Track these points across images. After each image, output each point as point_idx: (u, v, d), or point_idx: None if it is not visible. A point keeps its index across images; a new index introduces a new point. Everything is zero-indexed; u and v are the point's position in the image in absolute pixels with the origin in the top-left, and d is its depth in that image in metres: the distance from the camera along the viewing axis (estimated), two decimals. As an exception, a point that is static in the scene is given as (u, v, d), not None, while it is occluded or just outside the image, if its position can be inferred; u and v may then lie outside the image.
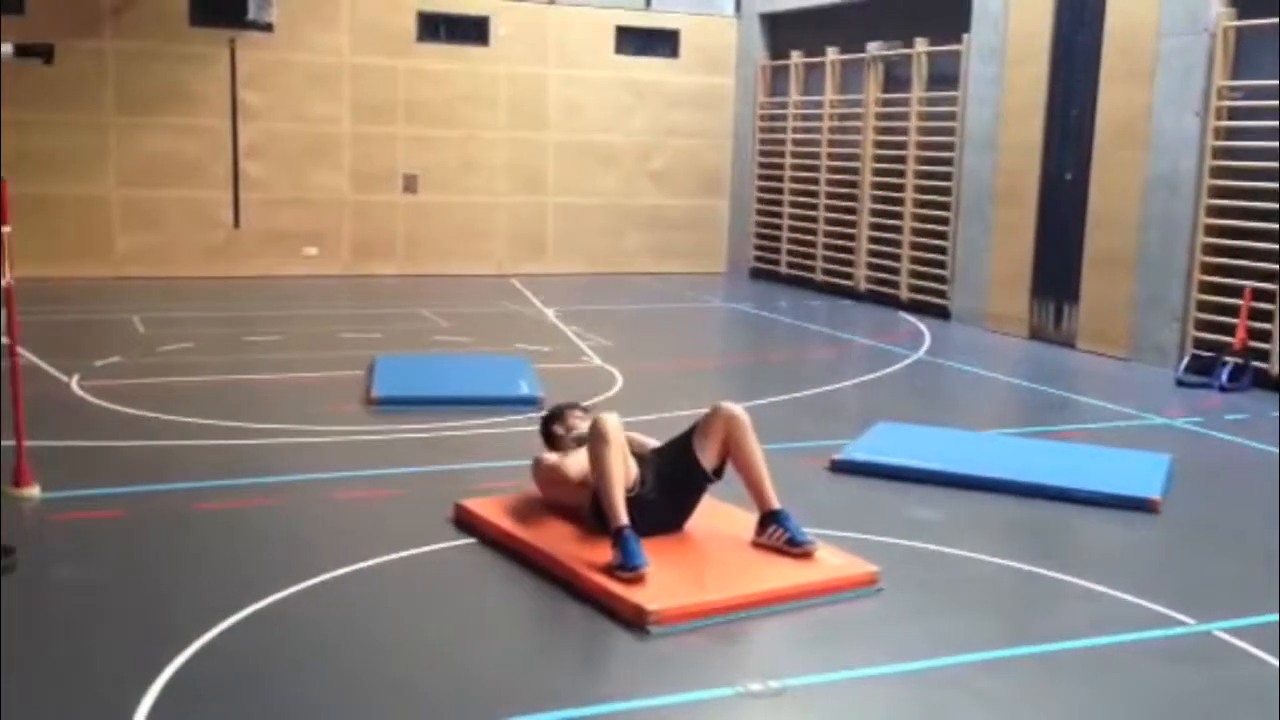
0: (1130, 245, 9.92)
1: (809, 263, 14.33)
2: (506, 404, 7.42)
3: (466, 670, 3.83)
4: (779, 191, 14.90)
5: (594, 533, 4.70)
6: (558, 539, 4.76)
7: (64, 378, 7.90)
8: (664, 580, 4.31)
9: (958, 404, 8.69)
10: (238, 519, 5.26)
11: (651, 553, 4.41)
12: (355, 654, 3.91)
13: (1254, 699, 3.73)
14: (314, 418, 7.04)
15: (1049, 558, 5.03)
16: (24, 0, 12.63)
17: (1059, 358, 10.15)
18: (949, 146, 12.08)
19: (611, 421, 4.65)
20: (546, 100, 14.84)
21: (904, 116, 12.77)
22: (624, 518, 4.48)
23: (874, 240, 13.29)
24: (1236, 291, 9.02)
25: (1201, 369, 8.98)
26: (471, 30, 14.41)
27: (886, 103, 13.14)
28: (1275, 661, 3.97)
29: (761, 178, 15.30)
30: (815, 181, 14.18)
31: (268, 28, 13.01)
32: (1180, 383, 8.92)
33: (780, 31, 15.14)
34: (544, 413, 5.60)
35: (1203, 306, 9.36)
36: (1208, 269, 9.34)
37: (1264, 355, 8.81)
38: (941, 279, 12.24)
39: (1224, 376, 8.71)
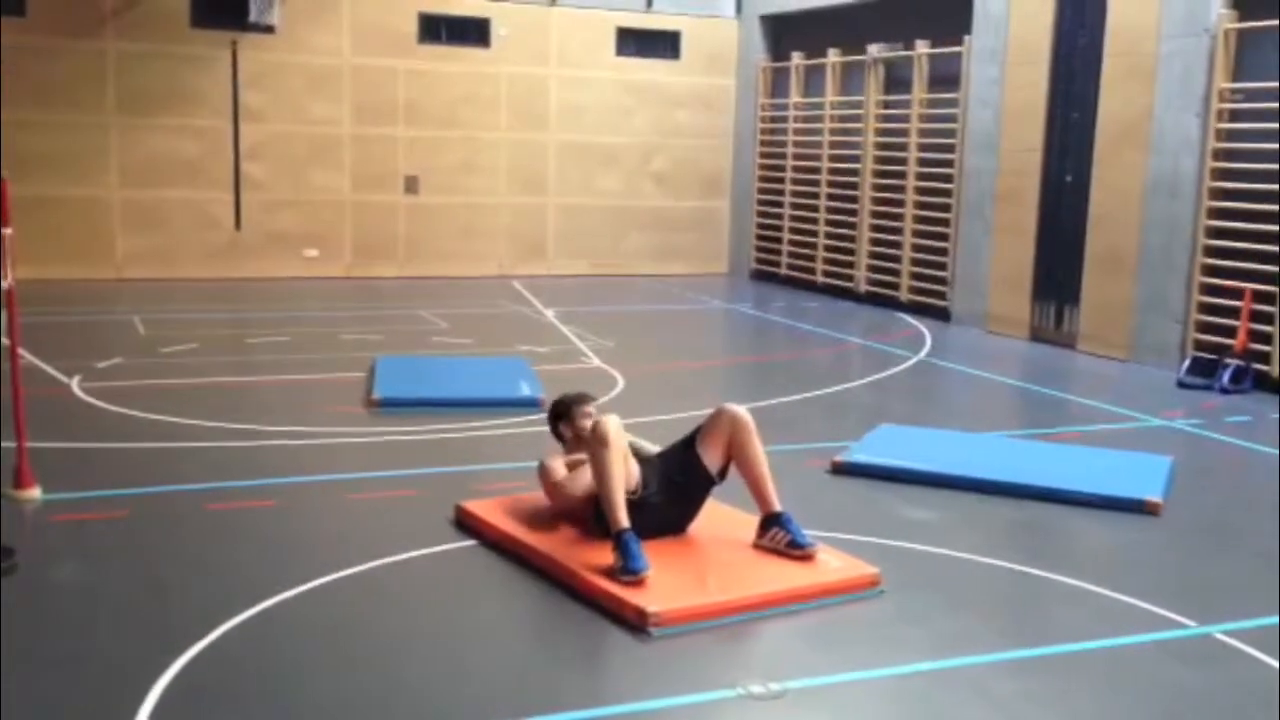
0: (1131, 247, 9.92)
1: (809, 264, 14.34)
2: (507, 405, 7.43)
3: (468, 672, 3.83)
4: (780, 193, 14.90)
5: (595, 535, 4.70)
6: (559, 541, 4.76)
7: (65, 379, 7.90)
8: (665, 582, 4.31)
9: (959, 406, 8.69)
10: (239, 520, 5.26)
11: (653, 555, 4.41)
12: (357, 656, 3.91)
13: (1256, 701, 3.73)
14: (315, 419, 7.04)
15: (1051, 560, 5.03)
16: (25, 2, 12.64)
17: (1060, 359, 10.15)
18: (950, 148, 12.09)
19: (612, 424, 4.65)
20: (547, 101, 14.85)
21: (905, 118, 12.77)
22: (625, 521, 4.47)
23: (875, 242, 13.29)
24: (1237, 293, 9.02)
25: (1202, 371, 8.98)
26: (472, 32, 14.42)
27: (887, 104, 13.14)
28: (1276, 663, 3.97)
29: (762, 179, 15.31)
30: (816, 183, 14.18)
31: (269, 29, 13.02)
32: (1181, 384, 8.92)
33: (781, 33, 15.14)
34: (552, 403, 5.49)
35: (1203, 308, 9.36)
36: (1208, 270, 9.34)
37: (1265, 357, 8.81)
38: (942, 280, 12.24)
39: (1225, 378, 8.71)
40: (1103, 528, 5.50)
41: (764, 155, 15.25)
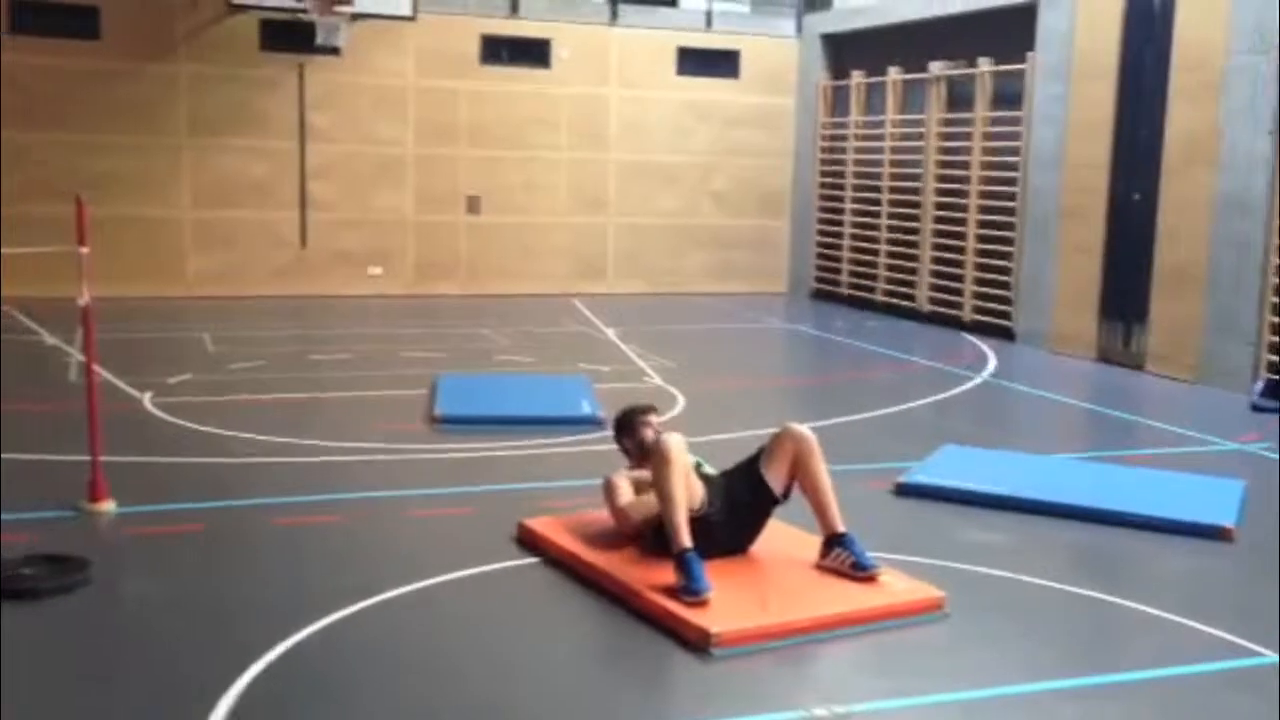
0: (1200, 265, 9.75)
1: (870, 283, 14.26)
2: (568, 424, 7.45)
3: (529, 690, 3.85)
4: (840, 211, 14.85)
5: (657, 553, 4.70)
6: (621, 559, 4.77)
7: (138, 395, 8.07)
8: (728, 602, 4.30)
9: (1024, 427, 8.58)
10: (305, 535, 5.34)
11: (715, 574, 4.40)
12: (419, 672, 3.94)
13: (1334, 733, 3.64)
14: (378, 435, 7.12)
15: (1118, 585, 4.94)
16: (99, 26, 12.97)
17: (1127, 380, 10.00)
18: (1014, 166, 11.98)
19: (675, 442, 4.65)
20: (608, 121, 14.94)
21: (967, 136, 12.68)
22: (687, 540, 4.47)
23: (936, 260, 13.19)
24: (1311, 313, 8.83)
25: (1275, 393, 8.79)
26: (533, 53, 14.55)
27: (949, 122, 13.06)
28: (1356, 694, 3.87)
29: (822, 197, 15.26)
30: (877, 201, 14.12)
31: (335, 52, 13.24)
32: (1255, 407, 8.73)
33: (841, 52, 15.11)
34: (616, 415, 5.51)
35: (1276, 329, 9.17)
36: (1281, 290, 9.16)
37: (1340, 379, 8.61)
38: (1006, 300, 12.11)
39: (1299, 401, 8.52)
40: (1173, 553, 5.40)
41: (824, 174, 15.21)
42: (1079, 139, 11.05)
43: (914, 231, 13.50)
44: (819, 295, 15.28)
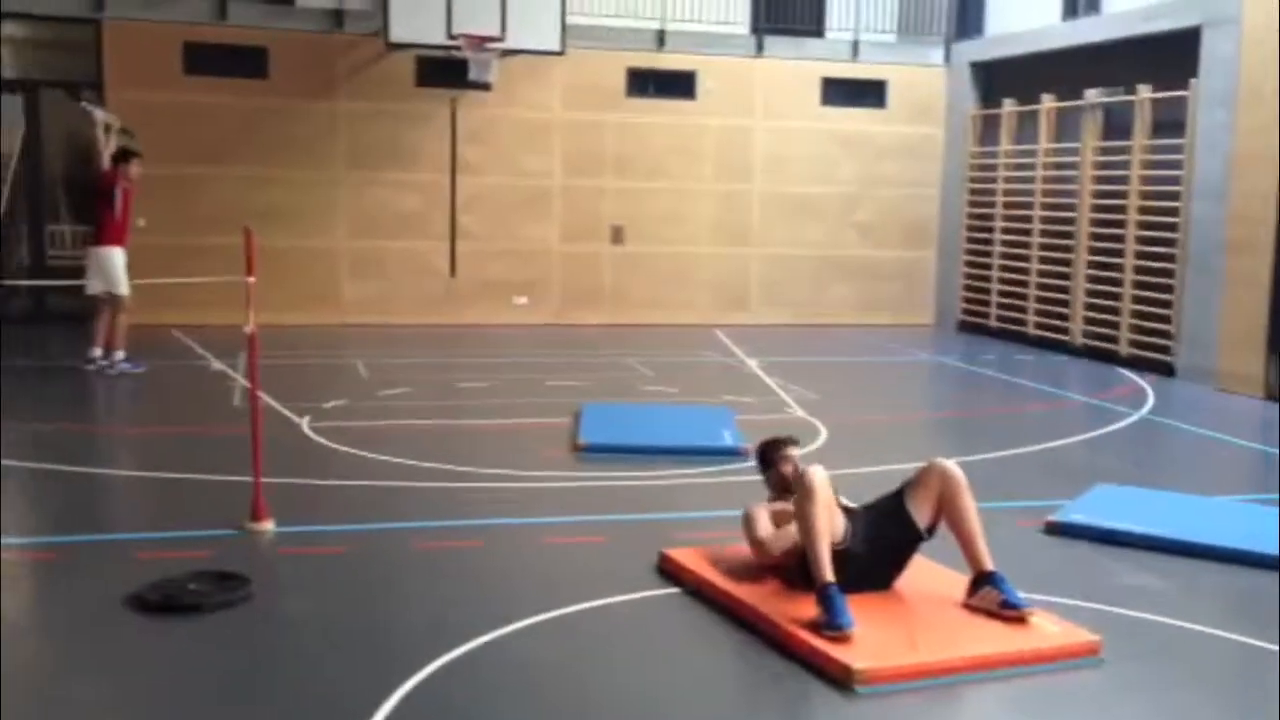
0: (1379, 300, 9.23)
1: (1020, 315, 13.90)
2: (710, 454, 7.45)
3: (671, 720, 3.85)
4: (989, 242, 14.54)
5: (800, 587, 4.65)
6: (763, 592, 4.74)
7: (296, 419, 8.38)
8: (872, 639, 4.23)
9: (1184, 467, 8.23)
10: (452, 559, 5.45)
11: (859, 610, 4.33)
12: (560, 699, 3.98)
13: None
14: (522, 462, 7.24)
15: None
16: (267, 66, 13.60)
17: (1297, 419, 9.51)
18: (1174, 195, 11.56)
19: (818, 476, 4.61)
20: (752, 152, 14.96)
21: (1125, 165, 12.29)
22: (829, 574, 4.42)
23: (1091, 293, 12.79)
24: None
25: None
26: (679, 85, 14.69)
27: (1105, 151, 12.69)
28: None
29: (970, 228, 14.97)
30: (1028, 232, 13.78)
31: (486, 87, 13.58)
32: None
33: (991, 80, 14.84)
34: (758, 448, 5.47)
35: None
36: None
37: None
38: (1166, 334, 11.67)
39: None
40: (1348, 603, 5.10)
41: (972, 204, 14.93)
42: (1244, 168, 10.60)
43: (1067, 263, 13.13)
44: (966, 328, 14.97)
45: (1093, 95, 12.69)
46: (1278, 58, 10.18)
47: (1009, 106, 14.17)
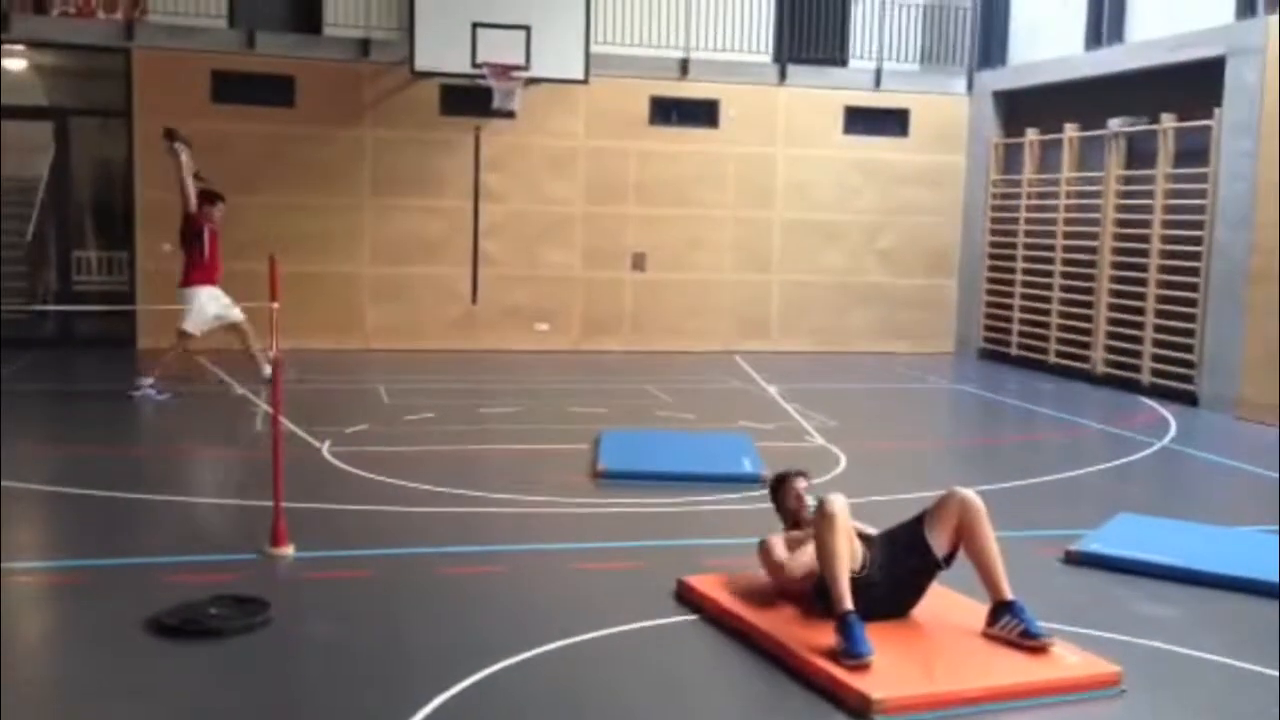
0: (1405, 330, 9.17)
1: (1041, 344, 13.86)
2: (729, 481, 7.45)
3: (688, 748, 3.84)
4: (1011, 270, 14.52)
5: (818, 615, 4.65)
6: (782, 620, 4.73)
7: (317, 444, 8.42)
8: (890, 668, 4.22)
9: (1206, 497, 8.17)
10: (472, 584, 5.47)
11: (877, 638, 4.32)
12: (580, 724, 3.98)
13: None
14: (542, 488, 7.26)
15: (1312, 668, 4.65)
16: (294, 95, 13.75)
17: (1322, 450, 9.42)
18: (1198, 224, 11.52)
19: (838, 503, 4.61)
20: (774, 180, 15.01)
21: (1148, 194, 12.26)
22: (849, 603, 4.42)
23: (1113, 321, 12.75)
24: None
25: None
26: (702, 113, 14.76)
27: (1129, 179, 12.67)
28: None
29: (992, 256, 14.96)
30: (1050, 260, 13.76)
31: (510, 115, 13.70)
32: None
33: (1014, 109, 14.86)
34: (769, 481, 5.52)
35: None
36: None
37: None
38: (1188, 363, 11.61)
39: None
40: (1373, 636, 5.05)
41: (995, 232, 14.92)
42: (1268, 197, 10.57)
43: (1089, 291, 13.09)
44: (987, 355, 14.93)
45: (1116, 124, 12.69)
46: (1301, 87, 10.17)
47: (1032, 135, 14.17)
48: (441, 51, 13.05)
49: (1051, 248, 13.73)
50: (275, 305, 5.83)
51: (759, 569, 5.16)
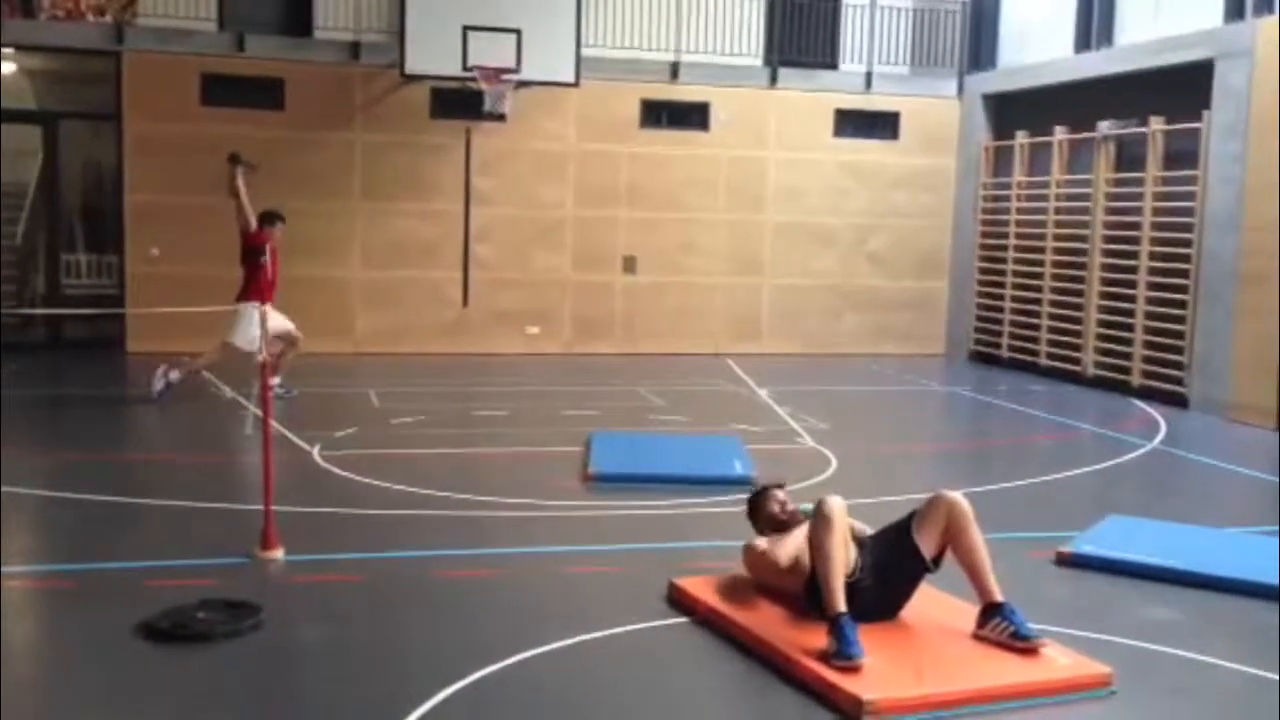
0: (1393, 332, 9.21)
1: (1032, 346, 13.89)
2: (720, 484, 7.44)
3: (679, 750, 3.84)
4: (1001, 273, 14.55)
5: (808, 616, 4.65)
6: (773, 622, 4.73)
7: (307, 447, 8.40)
8: (881, 670, 4.22)
9: (1196, 498, 8.19)
10: (463, 588, 5.45)
11: (868, 640, 4.32)
12: (571, 727, 3.97)
13: None
14: (533, 492, 7.24)
15: (1300, 668, 4.66)
16: (284, 98, 13.72)
17: (1312, 452, 9.46)
18: (1187, 227, 11.56)
19: (835, 505, 4.62)
20: (765, 183, 15.02)
21: (1137, 197, 12.30)
22: (842, 604, 4.42)
23: (1103, 324, 12.78)
24: None
25: None
26: (693, 116, 14.77)
27: (1118, 182, 12.71)
28: None
29: (983, 259, 14.99)
30: (1040, 263, 13.79)
31: (501, 118, 13.69)
32: None
33: (1005, 111, 14.89)
34: (747, 499, 5.55)
35: None
36: None
37: None
38: (1178, 365, 11.64)
39: None
40: (1362, 636, 5.06)
41: (985, 235, 14.95)
42: (1257, 200, 10.61)
43: (1079, 294, 13.12)
44: (978, 358, 14.95)
45: (1105, 127, 12.72)
46: (1289, 90, 10.21)
47: (1022, 138, 14.21)
48: (432, 54, 13.04)
49: (1042, 250, 13.76)
50: (265, 307, 5.80)
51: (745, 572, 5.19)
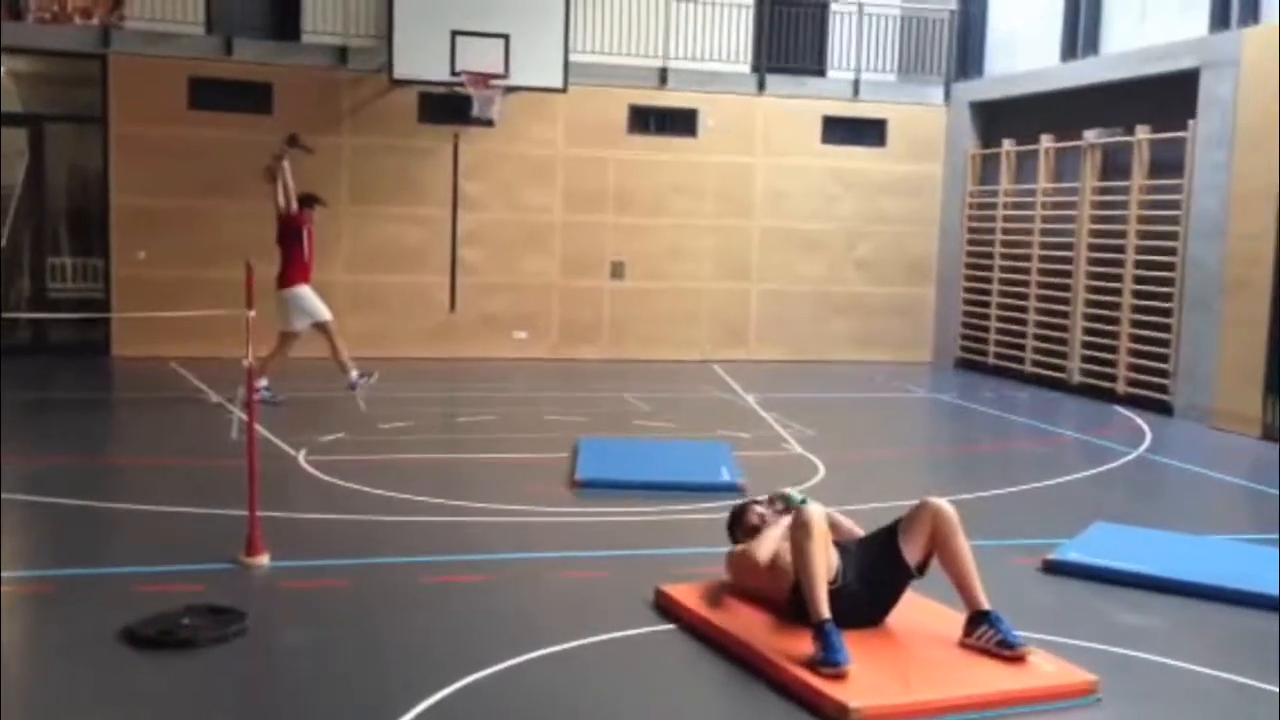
0: (1376, 340, 9.26)
1: (1018, 353, 13.93)
2: (707, 490, 7.44)
3: (665, 758, 3.83)
4: (987, 280, 14.60)
5: (794, 623, 4.65)
6: (758, 629, 4.73)
7: (293, 452, 8.38)
8: (867, 677, 4.22)
9: (1181, 506, 8.23)
10: (448, 594, 5.44)
11: (854, 647, 4.33)
12: (557, 734, 3.96)
13: None
14: (520, 497, 7.23)
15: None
16: (272, 102, 13.69)
17: (1295, 459, 9.50)
18: (1172, 235, 11.61)
19: (815, 512, 4.63)
20: (753, 189, 15.04)
21: (1123, 205, 12.36)
22: (826, 611, 4.42)
23: (1089, 331, 12.83)
24: None
25: None
26: (681, 122, 14.79)
27: (1104, 190, 12.76)
28: None
29: (969, 266, 15.03)
30: (1026, 270, 13.84)
31: (489, 123, 13.67)
32: None
33: (991, 119, 14.95)
34: (727, 520, 5.54)
35: None
36: None
37: None
38: (1163, 373, 11.69)
39: None
40: (1346, 644, 5.08)
41: (972, 242, 15.00)
42: (1242, 208, 10.66)
43: (1065, 301, 13.17)
44: (964, 365, 14.99)
45: (1092, 136, 12.78)
46: (1276, 100, 10.26)
47: (1008, 146, 14.26)
48: (420, 59, 13.03)
49: (1028, 258, 13.81)
50: (251, 313, 5.79)
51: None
